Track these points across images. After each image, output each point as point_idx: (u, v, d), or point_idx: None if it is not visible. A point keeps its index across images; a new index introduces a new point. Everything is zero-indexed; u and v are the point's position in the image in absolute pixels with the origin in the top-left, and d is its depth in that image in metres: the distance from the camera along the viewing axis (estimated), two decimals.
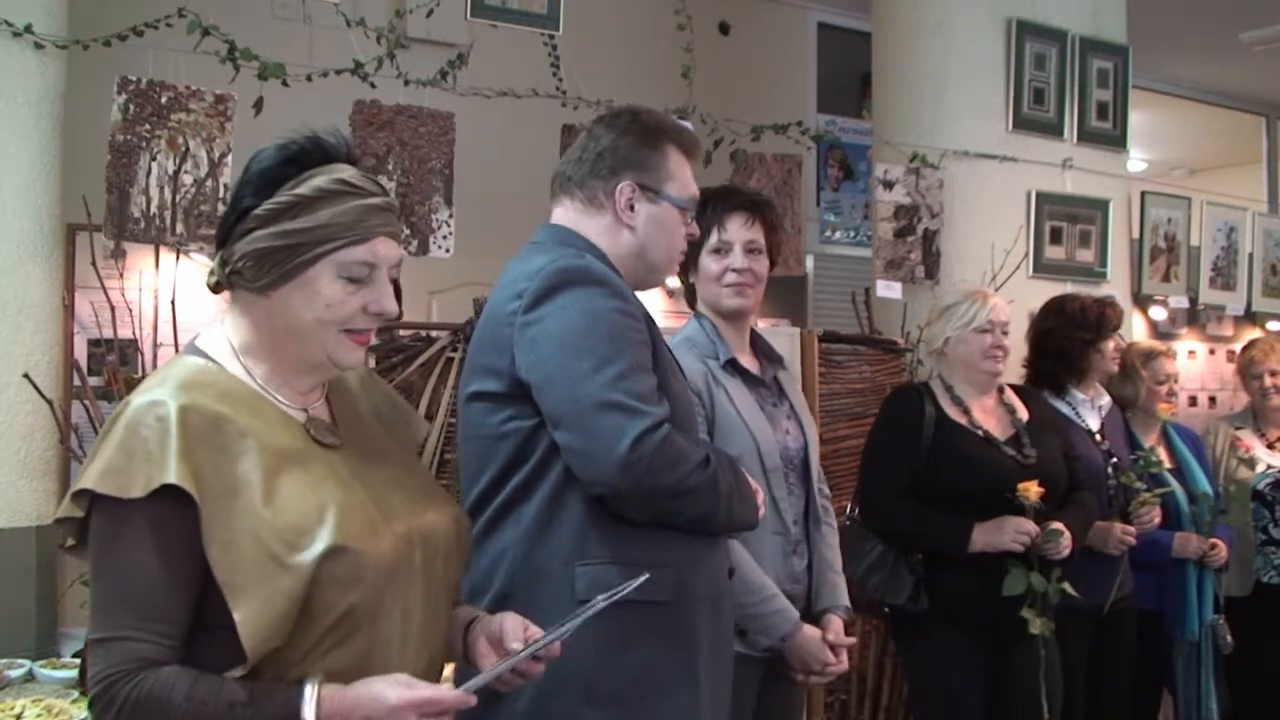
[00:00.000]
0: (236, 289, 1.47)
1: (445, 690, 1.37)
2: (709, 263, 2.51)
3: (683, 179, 2.06)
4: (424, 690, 1.34)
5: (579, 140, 2.08)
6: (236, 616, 1.31)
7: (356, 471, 1.47)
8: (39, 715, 2.40)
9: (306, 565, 1.33)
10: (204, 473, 1.33)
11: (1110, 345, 3.47)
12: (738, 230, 2.51)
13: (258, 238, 1.42)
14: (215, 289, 1.50)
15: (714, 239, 2.50)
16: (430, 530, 1.51)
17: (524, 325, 1.86)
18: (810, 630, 2.40)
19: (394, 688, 1.33)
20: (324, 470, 1.43)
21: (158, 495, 1.31)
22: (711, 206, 2.49)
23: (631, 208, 2.01)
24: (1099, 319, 3.46)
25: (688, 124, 2.31)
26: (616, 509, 1.84)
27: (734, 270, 2.49)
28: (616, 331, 1.84)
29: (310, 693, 1.32)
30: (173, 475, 1.31)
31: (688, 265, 2.51)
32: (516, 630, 1.53)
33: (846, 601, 2.55)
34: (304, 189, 1.43)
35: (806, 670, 2.41)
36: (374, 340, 1.57)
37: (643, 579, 1.56)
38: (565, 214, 2.05)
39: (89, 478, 1.34)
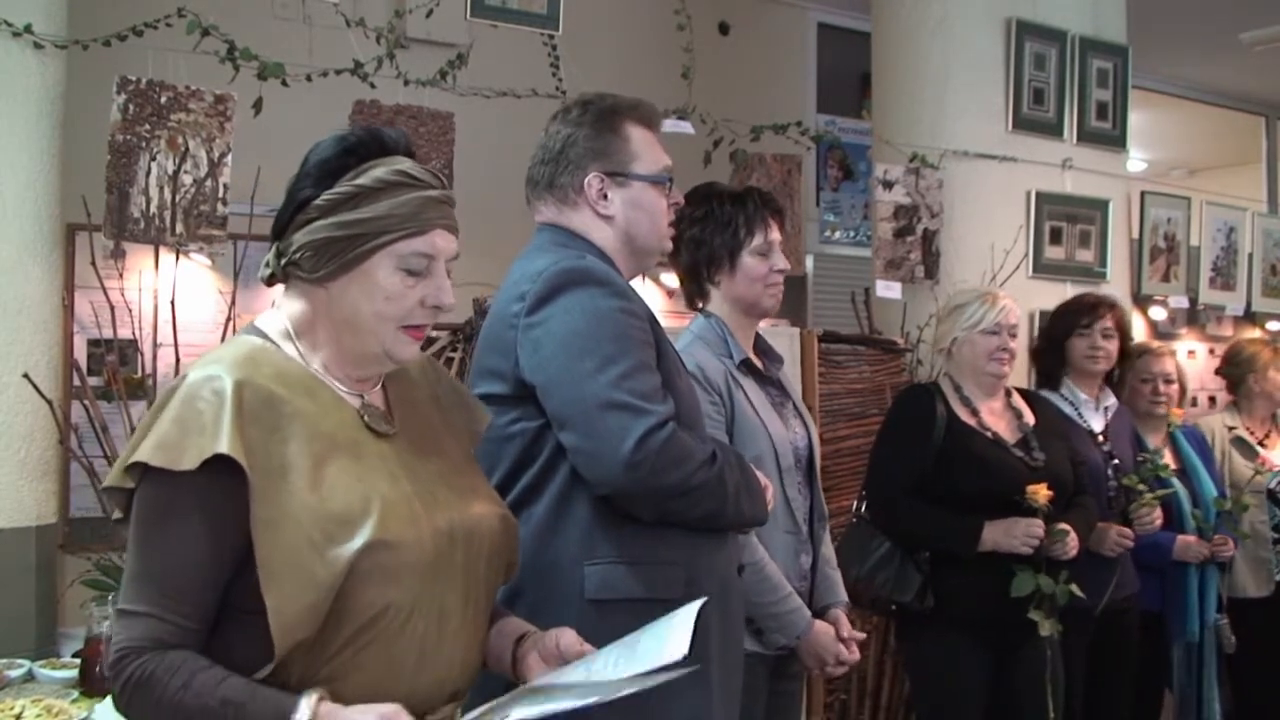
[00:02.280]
0: (293, 280, 1.47)
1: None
2: (754, 263, 2.49)
3: (649, 155, 2.04)
4: None
5: (539, 142, 2.08)
6: (269, 602, 1.30)
7: (406, 463, 1.46)
8: (39, 715, 2.39)
9: (344, 558, 1.32)
10: (255, 449, 1.33)
11: (1091, 342, 3.44)
12: (775, 232, 2.53)
13: (317, 228, 1.42)
14: (269, 281, 1.49)
15: (759, 240, 2.49)
16: (474, 529, 1.49)
17: (527, 327, 1.87)
18: (822, 625, 2.43)
19: (396, 711, 1.31)
20: (374, 460, 1.43)
21: (209, 468, 1.31)
22: (754, 207, 2.50)
23: (605, 197, 2.01)
24: (1081, 307, 3.48)
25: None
26: (623, 508, 1.84)
27: (777, 271, 2.51)
28: (620, 331, 1.85)
29: (306, 706, 1.30)
30: (225, 445, 1.30)
31: (715, 263, 2.50)
32: (573, 647, 1.50)
33: (845, 596, 2.58)
34: (364, 180, 1.44)
35: (821, 665, 2.43)
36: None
37: (693, 612, 1.50)
38: (547, 217, 2.05)
39: (144, 450, 1.33)
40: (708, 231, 2.49)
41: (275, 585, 1.30)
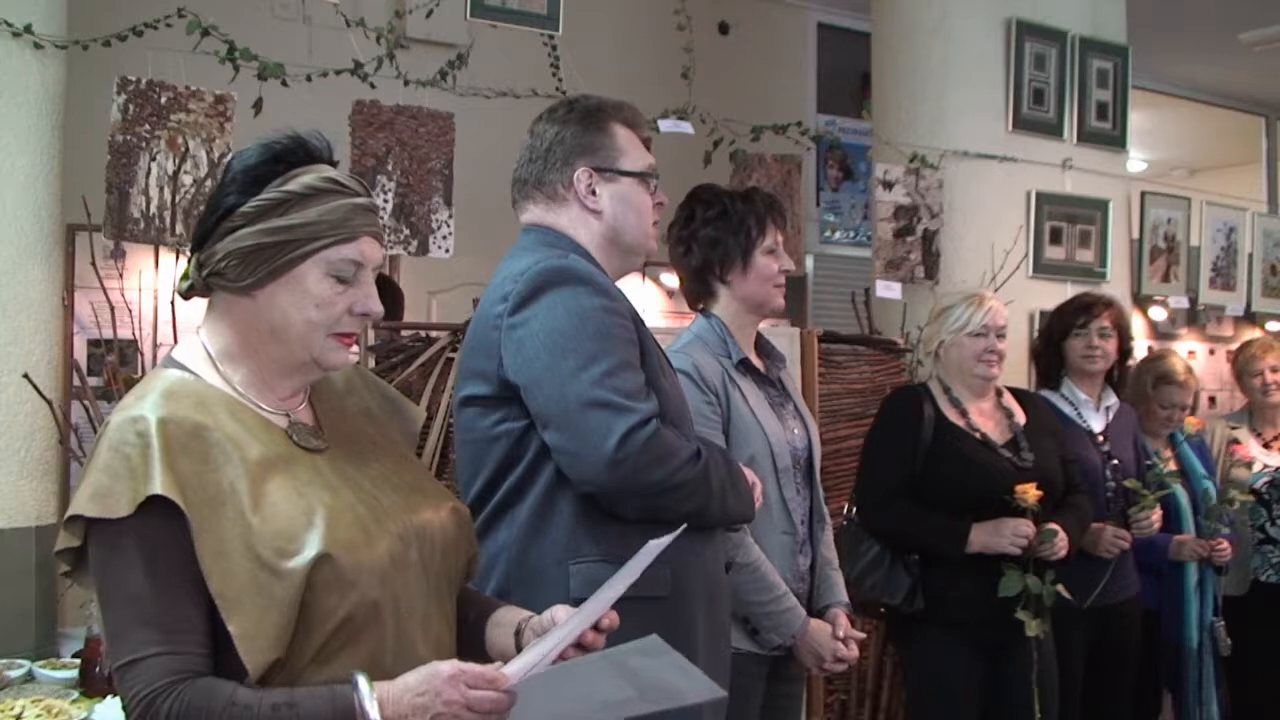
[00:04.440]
0: (215, 292, 1.45)
1: (494, 669, 1.34)
2: (767, 263, 2.50)
3: (635, 152, 2.06)
4: (478, 666, 1.32)
5: (525, 143, 2.08)
6: (233, 630, 1.29)
7: (344, 474, 1.46)
8: (39, 715, 2.40)
9: (299, 572, 1.32)
10: (189, 483, 1.32)
11: (1088, 342, 3.42)
12: (778, 233, 2.55)
13: (244, 235, 1.40)
14: (187, 294, 1.47)
15: (768, 240, 2.51)
16: (425, 526, 1.49)
17: (510, 328, 1.87)
18: (818, 624, 2.43)
19: (446, 662, 1.33)
20: (310, 475, 1.42)
21: (149, 511, 1.29)
22: (763, 207, 2.52)
23: (593, 192, 2.02)
24: (1078, 307, 3.48)
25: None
26: (607, 507, 1.85)
27: (784, 271, 2.53)
28: (603, 329, 1.85)
29: (365, 684, 1.29)
30: (158, 486, 1.29)
31: (728, 262, 2.50)
32: (569, 618, 1.48)
33: (846, 597, 2.58)
34: (293, 186, 1.42)
35: (818, 663, 2.43)
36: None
37: (682, 529, 1.56)
38: (533, 217, 2.06)
39: (78, 503, 1.32)
40: (722, 230, 2.49)
41: (237, 612, 1.30)
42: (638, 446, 1.78)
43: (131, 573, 1.31)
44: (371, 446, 1.55)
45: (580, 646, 1.43)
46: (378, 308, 1.47)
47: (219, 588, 1.30)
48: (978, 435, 2.99)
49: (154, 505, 1.30)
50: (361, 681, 1.30)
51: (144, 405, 1.36)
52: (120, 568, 1.31)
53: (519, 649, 1.52)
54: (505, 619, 1.58)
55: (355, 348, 1.51)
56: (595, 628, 1.45)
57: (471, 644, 1.57)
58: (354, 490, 1.44)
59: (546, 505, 1.87)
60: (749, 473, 2.08)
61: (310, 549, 1.33)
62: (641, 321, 1.96)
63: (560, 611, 1.51)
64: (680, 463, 1.84)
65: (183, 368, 1.45)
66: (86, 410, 3.13)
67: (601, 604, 1.42)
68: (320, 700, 1.30)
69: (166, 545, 1.31)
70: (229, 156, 1.47)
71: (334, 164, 1.49)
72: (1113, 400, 3.50)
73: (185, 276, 1.46)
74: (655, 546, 1.45)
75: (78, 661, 2.67)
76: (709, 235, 2.50)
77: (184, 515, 1.30)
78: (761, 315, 2.56)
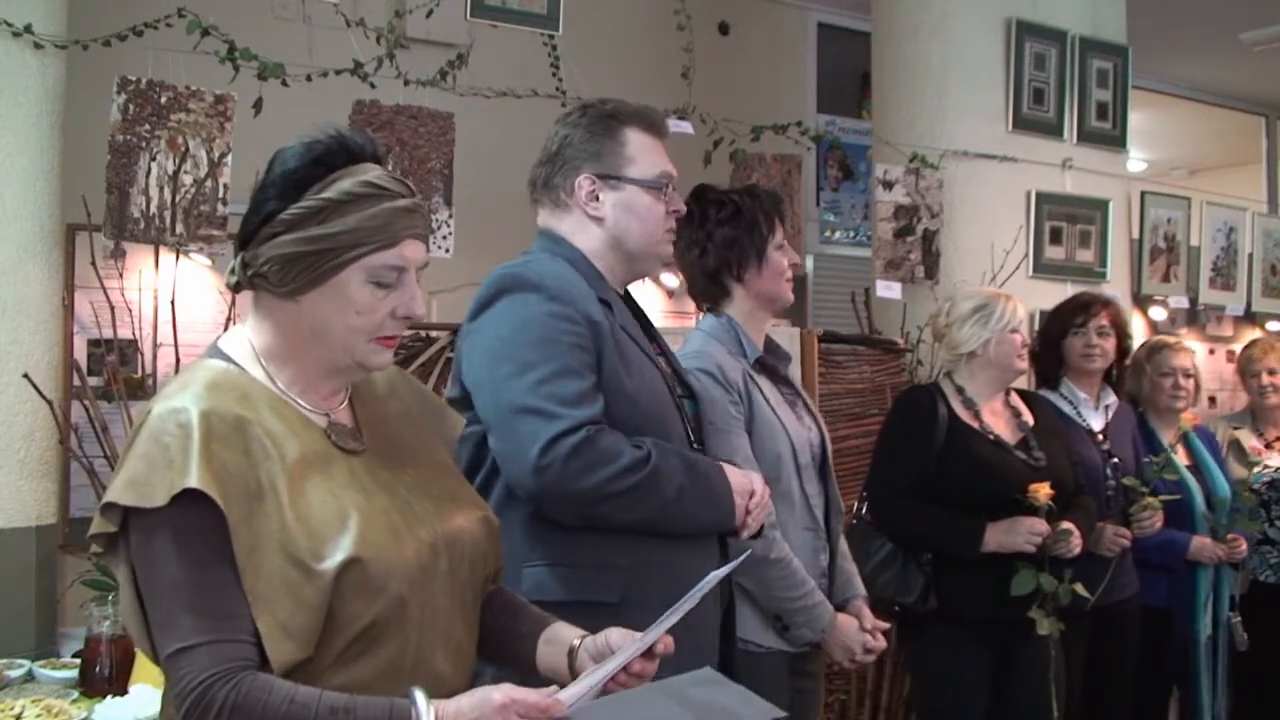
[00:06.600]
0: (260, 292, 1.45)
1: (547, 696, 1.33)
2: (779, 258, 2.50)
3: (646, 159, 2.04)
4: (531, 694, 1.31)
5: (544, 144, 2.09)
6: (261, 627, 1.29)
7: (379, 478, 1.45)
8: (38, 715, 2.39)
9: (329, 574, 1.32)
10: (227, 477, 1.31)
11: (1087, 341, 3.41)
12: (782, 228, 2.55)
13: (284, 242, 1.39)
14: (235, 289, 1.48)
15: (779, 235, 2.51)
16: (457, 535, 1.49)
17: (466, 334, 1.93)
18: (845, 618, 2.45)
19: (498, 689, 1.32)
20: (345, 477, 1.42)
21: (186, 501, 1.29)
22: (769, 203, 2.53)
23: (596, 198, 2.02)
24: (1075, 306, 3.48)
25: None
26: (544, 513, 1.86)
27: (793, 265, 2.53)
28: (546, 336, 1.86)
29: (423, 701, 1.29)
30: (195, 479, 1.29)
31: (744, 261, 2.48)
32: (625, 642, 1.47)
33: (863, 590, 2.60)
34: (331, 193, 1.40)
35: (849, 656, 2.45)
36: None
37: (745, 555, 1.57)
38: (542, 220, 2.08)
39: (114, 491, 1.32)
40: (738, 229, 2.48)
41: (266, 609, 1.30)
42: (563, 453, 1.78)
43: (172, 562, 1.31)
44: (408, 452, 1.54)
45: (629, 673, 1.43)
46: (419, 309, 1.47)
47: (250, 584, 1.30)
48: (991, 436, 3.00)
49: (191, 498, 1.29)
50: (420, 698, 1.29)
51: (186, 396, 1.36)
52: (160, 557, 1.31)
53: (570, 668, 1.52)
54: (558, 636, 1.57)
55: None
56: (649, 653, 1.44)
57: (522, 660, 1.57)
58: (388, 495, 1.44)
59: (505, 508, 1.86)
60: (755, 481, 2.02)
61: (341, 552, 1.33)
62: (606, 327, 1.93)
63: (615, 635, 1.50)
64: (617, 470, 1.82)
65: (228, 359, 1.44)
66: (86, 410, 3.12)
67: (659, 630, 1.41)
68: (379, 710, 1.29)
69: (204, 536, 1.31)
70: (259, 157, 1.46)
71: (379, 161, 1.47)
72: (1111, 399, 3.51)
73: (233, 271, 1.46)
74: (716, 575, 1.46)
75: (78, 661, 2.66)
76: (726, 235, 2.47)
77: (220, 509, 1.30)
78: (774, 311, 2.56)
